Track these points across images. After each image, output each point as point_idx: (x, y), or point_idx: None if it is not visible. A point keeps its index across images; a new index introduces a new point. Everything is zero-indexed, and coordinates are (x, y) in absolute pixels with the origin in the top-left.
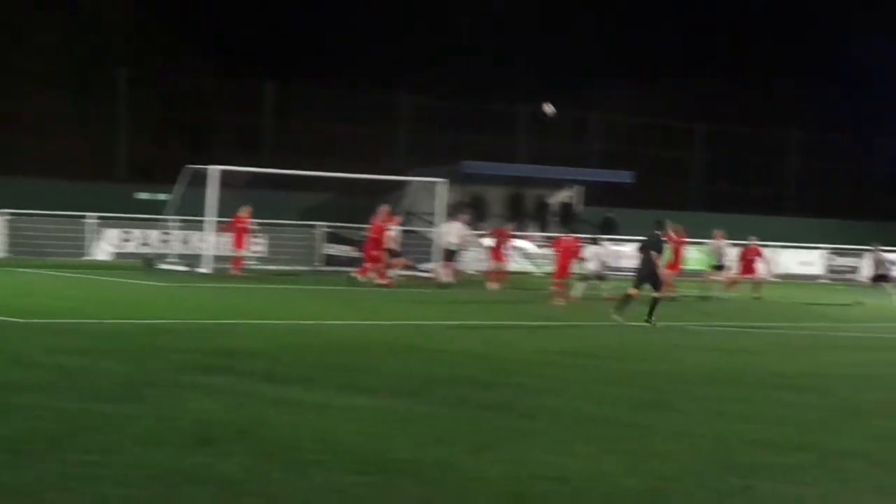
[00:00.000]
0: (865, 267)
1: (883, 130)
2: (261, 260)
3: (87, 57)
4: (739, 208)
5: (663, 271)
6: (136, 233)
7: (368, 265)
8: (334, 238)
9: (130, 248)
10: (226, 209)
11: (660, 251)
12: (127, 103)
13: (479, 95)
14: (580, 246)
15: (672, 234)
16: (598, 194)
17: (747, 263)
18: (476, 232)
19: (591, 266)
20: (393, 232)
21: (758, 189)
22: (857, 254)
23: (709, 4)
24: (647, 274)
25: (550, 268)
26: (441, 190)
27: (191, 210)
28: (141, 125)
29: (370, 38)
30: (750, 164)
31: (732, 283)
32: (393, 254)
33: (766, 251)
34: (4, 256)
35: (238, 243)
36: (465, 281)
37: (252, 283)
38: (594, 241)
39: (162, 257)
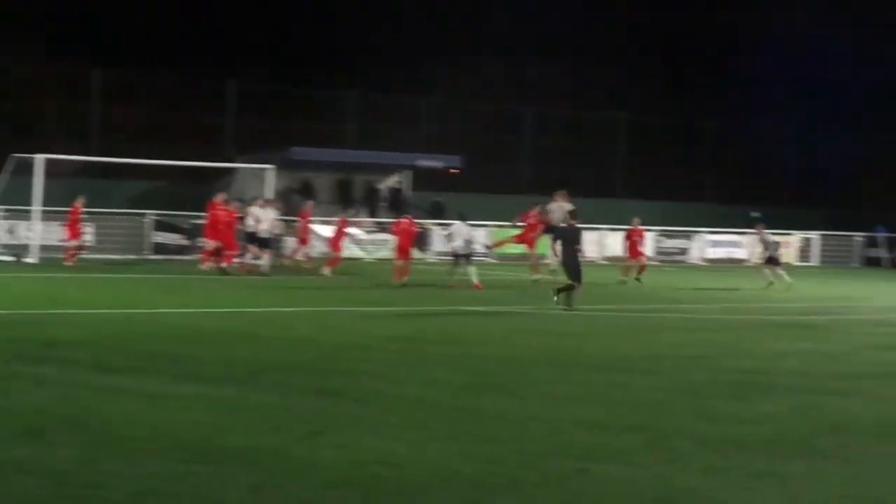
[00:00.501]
0: (751, 248)
1: (712, 111)
2: (89, 249)
3: None
4: (568, 192)
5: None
6: None
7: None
8: (163, 226)
9: None
10: (53, 198)
11: (578, 241)
12: None
13: (308, 80)
14: (417, 229)
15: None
16: (427, 179)
17: (632, 245)
18: (293, 218)
19: (458, 244)
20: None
21: (586, 172)
22: (686, 236)
23: None
24: (570, 263)
25: (382, 254)
26: (269, 176)
27: (16, 199)
28: None
29: (198, 23)
30: (578, 148)
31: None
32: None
33: (596, 234)
34: None
35: (72, 233)
36: (289, 268)
37: (80, 272)
38: (462, 219)
39: None
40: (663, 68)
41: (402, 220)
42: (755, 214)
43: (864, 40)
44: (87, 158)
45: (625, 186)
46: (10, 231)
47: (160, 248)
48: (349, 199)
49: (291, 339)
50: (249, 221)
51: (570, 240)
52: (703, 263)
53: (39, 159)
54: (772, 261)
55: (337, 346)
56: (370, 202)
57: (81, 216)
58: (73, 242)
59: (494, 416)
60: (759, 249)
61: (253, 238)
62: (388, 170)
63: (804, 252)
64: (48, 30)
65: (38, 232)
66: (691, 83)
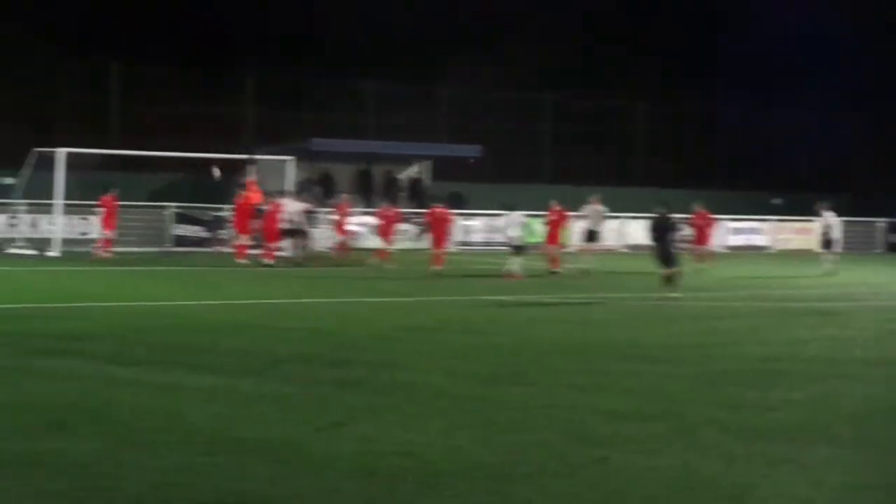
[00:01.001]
0: (819, 233)
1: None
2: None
3: None
4: (589, 180)
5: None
6: None
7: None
8: (183, 219)
9: None
10: (74, 192)
11: (674, 230)
12: None
13: (327, 71)
14: (451, 217)
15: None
16: (446, 169)
17: (700, 231)
18: (322, 209)
19: (513, 234)
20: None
21: (606, 160)
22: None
23: None
24: (664, 253)
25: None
26: (289, 168)
27: (38, 193)
28: None
29: (216, 16)
30: (598, 136)
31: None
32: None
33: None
34: None
35: (108, 225)
36: (315, 258)
37: (101, 265)
38: (511, 209)
39: (10, 242)
40: (682, 55)
41: (435, 208)
42: (776, 201)
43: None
44: (107, 152)
45: (645, 174)
46: (33, 225)
47: (181, 241)
48: (369, 189)
49: (311, 330)
50: (284, 214)
51: (662, 230)
52: (724, 251)
53: (61, 153)
54: (829, 244)
55: (357, 337)
56: (390, 192)
57: (116, 208)
58: (109, 234)
59: (516, 405)
60: (827, 233)
61: (285, 229)
62: (407, 160)
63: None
64: (68, 24)
65: (60, 226)
66: (711, 70)
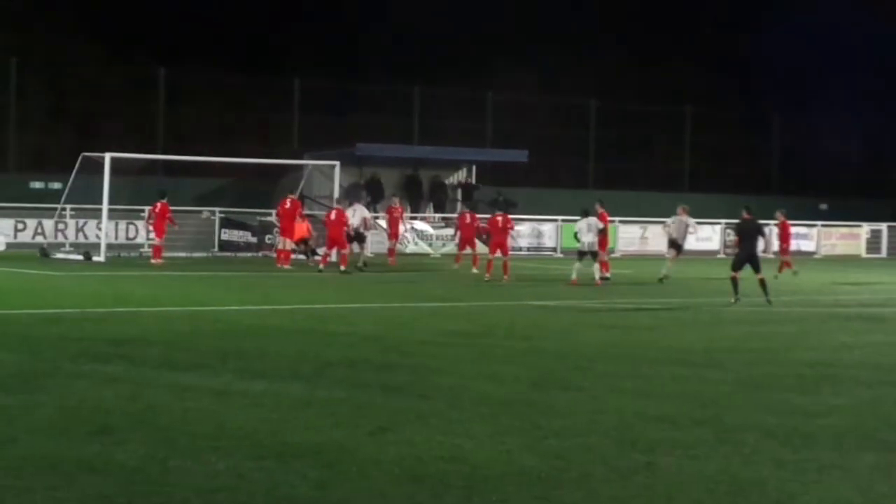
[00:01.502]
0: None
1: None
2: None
3: None
4: (635, 186)
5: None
6: (30, 222)
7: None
8: (230, 223)
9: (25, 237)
10: (120, 197)
11: (762, 234)
12: (16, 92)
13: (372, 77)
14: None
15: (603, 213)
16: (491, 174)
17: (783, 238)
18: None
19: (587, 240)
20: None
21: (651, 165)
22: None
23: None
24: (745, 257)
25: (447, 248)
26: (335, 173)
27: (85, 198)
28: (31, 114)
29: (262, 21)
30: (644, 140)
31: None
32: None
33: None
34: None
35: (160, 231)
36: (372, 264)
37: (148, 270)
38: (586, 214)
39: (57, 247)
40: (728, 60)
41: (495, 215)
42: (823, 207)
43: None
44: (154, 157)
45: (691, 179)
46: (80, 230)
47: (227, 246)
48: (416, 194)
49: (355, 335)
50: (354, 220)
51: (748, 234)
52: (770, 256)
53: (109, 158)
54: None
55: (403, 342)
56: (436, 197)
57: (170, 214)
58: (159, 241)
59: (561, 410)
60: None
61: (350, 236)
62: (455, 165)
63: (872, 244)
64: (114, 30)
65: (106, 231)
66: (756, 74)
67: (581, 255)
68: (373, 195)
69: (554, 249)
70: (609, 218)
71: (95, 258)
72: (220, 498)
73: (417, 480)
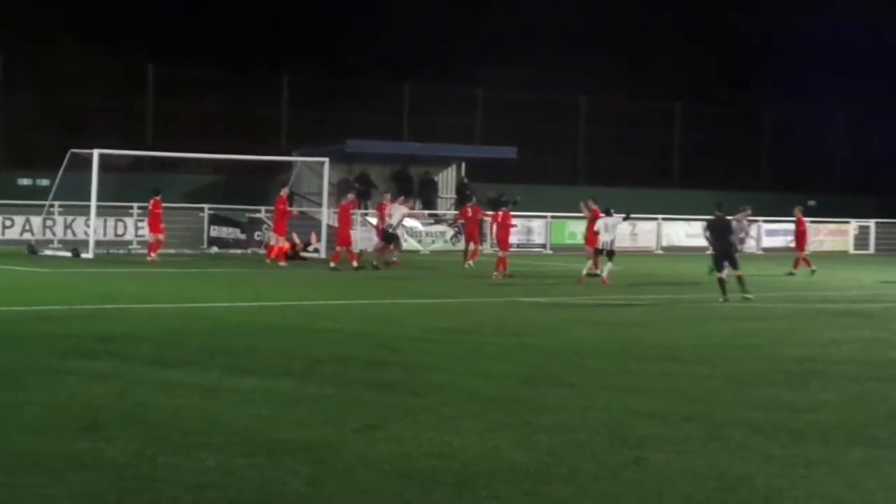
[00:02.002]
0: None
1: (767, 100)
2: (144, 244)
3: None
4: (625, 182)
5: None
6: (18, 219)
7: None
8: (219, 220)
9: (13, 234)
10: (108, 193)
11: (730, 232)
12: (4, 88)
13: (361, 73)
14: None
15: (596, 210)
16: (481, 171)
17: (800, 235)
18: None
19: (608, 238)
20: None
21: (641, 162)
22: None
23: None
24: (721, 255)
25: (437, 245)
26: (324, 170)
27: (73, 195)
28: (18, 110)
29: (251, 17)
30: (634, 137)
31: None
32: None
33: (652, 224)
34: None
35: (154, 228)
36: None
37: (136, 267)
38: (608, 213)
39: (45, 243)
40: (716, 57)
41: (500, 211)
42: (811, 203)
43: None
44: (143, 153)
45: (680, 176)
46: (68, 227)
47: (216, 242)
48: (406, 191)
49: (344, 332)
50: (393, 220)
51: (717, 231)
52: (760, 252)
53: (97, 155)
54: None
55: (392, 339)
56: (426, 194)
57: (161, 211)
58: (155, 237)
59: (551, 406)
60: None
61: (384, 233)
62: (442, 162)
63: (860, 240)
64: (103, 26)
65: (94, 227)
66: (744, 72)
67: (597, 252)
68: (364, 191)
69: (543, 246)
70: (601, 214)
71: (84, 255)
72: (210, 494)
73: (407, 477)
